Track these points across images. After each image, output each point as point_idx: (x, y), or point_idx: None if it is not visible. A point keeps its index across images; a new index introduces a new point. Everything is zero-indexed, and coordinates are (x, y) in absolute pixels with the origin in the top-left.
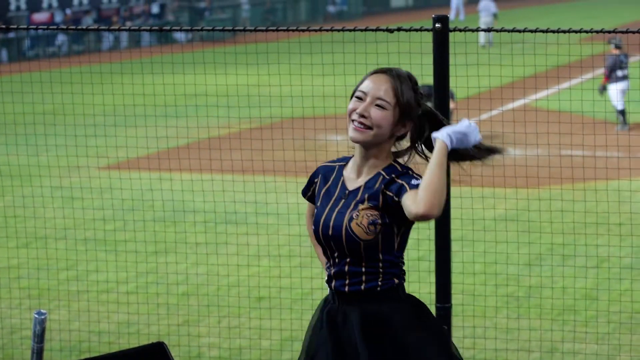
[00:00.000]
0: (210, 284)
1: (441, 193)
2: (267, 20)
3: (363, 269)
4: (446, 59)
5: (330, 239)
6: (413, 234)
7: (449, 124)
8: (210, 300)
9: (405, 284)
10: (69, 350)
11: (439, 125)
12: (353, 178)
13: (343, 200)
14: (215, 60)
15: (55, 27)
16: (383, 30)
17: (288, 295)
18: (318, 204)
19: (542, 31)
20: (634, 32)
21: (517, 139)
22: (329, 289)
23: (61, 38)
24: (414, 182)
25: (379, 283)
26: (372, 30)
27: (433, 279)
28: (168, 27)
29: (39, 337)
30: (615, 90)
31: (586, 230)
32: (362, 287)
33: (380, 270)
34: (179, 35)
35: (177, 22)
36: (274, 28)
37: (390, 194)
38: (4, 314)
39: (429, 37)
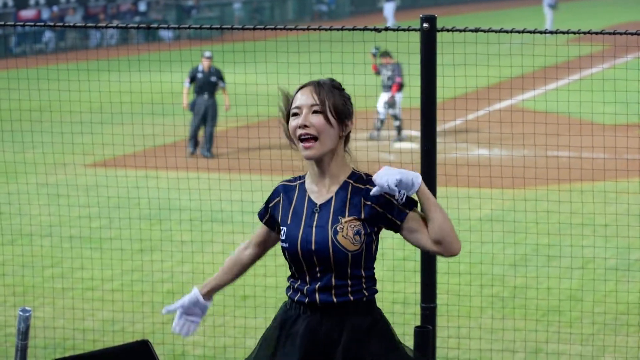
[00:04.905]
0: (196, 282)
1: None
2: (254, 19)
3: (349, 281)
4: (434, 58)
5: (313, 254)
6: (398, 234)
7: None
8: None
9: (390, 284)
10: (54, 347)
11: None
12: (317, 191)
13: (317, 215)
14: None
15: (42, 24)
16: (371, 29)
17: (273, 294)
18: (288, 221)
19: (530, 32)
20: (620, 34)
21: (503, 139)
22: (303, 303)
23: (48, 35)
24: (405, 200)
25: (365, 293)
26: (360, 29)
27: (418, 278)
28: (155, 25)
29: (24, 334)
30: (397, 99)
31: (572, 231)
32: (351, 297)
33: (364, 280)
34: (166, 34)
35: (164, 20)
36: (262, 27)
37: (373, 205)
38: None
39: (416, 37)
